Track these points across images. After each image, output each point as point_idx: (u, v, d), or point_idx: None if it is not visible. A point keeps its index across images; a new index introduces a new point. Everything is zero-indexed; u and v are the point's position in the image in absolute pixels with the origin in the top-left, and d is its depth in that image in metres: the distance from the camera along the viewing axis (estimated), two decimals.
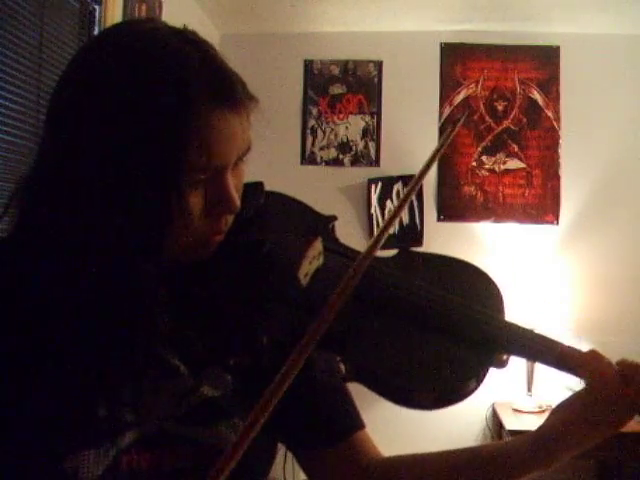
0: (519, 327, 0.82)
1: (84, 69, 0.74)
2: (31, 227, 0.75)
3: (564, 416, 0.80)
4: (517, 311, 3.24)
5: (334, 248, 0.88)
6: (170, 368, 0.78)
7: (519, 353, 0.82)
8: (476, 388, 0.80)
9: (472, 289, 0.88)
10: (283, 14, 3.55)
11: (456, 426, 3.43)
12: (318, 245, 0.83)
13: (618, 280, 3.53)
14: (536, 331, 0.83)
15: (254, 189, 0.85)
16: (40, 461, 0.72)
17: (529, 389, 3.28)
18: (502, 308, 0.87)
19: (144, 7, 2.74)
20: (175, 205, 0.71)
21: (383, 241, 0.79)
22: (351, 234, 2.90)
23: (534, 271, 3.43)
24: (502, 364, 0.82)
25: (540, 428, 0.82)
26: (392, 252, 0.94)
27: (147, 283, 0.73)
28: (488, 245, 3.59)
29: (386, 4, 3.39)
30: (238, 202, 0.77)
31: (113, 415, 0.74)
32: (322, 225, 0.91)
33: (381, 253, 0.85)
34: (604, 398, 0.77)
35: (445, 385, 0.80)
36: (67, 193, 0.72)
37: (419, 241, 3.64)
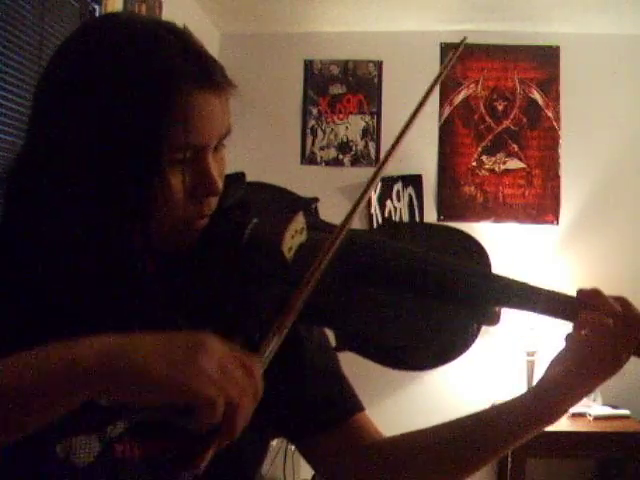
0: (508, 278, 0.83)
1: (69, 56, 0.77)
2: (18, 214, 0.77)
3: (564, 366, 0.80)
4: (517, 311, 3.23)
5: (317, 225, 0.88)
6: None
7: (510, 303, 0.82)
8: (471, 343, 0.80)
9: (458, 249, 0.89)
10: (283, 14, 3.55)
11: None
12: (300, 219, 0.83)
13: (618, 280, 3.53)
14: (525, 280, 0.83)
15: (236, 179, 0.86)
16: (33, 445, 0.71)
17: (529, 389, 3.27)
18: (488, 263, 0.87)
19: (144, 7, 2.74)
20: (157, 183, 0.73)
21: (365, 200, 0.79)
22: None
23: (534, 271, 3.43)
24: (495, 318, 0.82)
25: (540, 382, 0.82)
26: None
27: (138, 261, 0.74)
28: (488, 245, 3.57)
29: (386, 4, 3.39)
30: (220, 184, 0.78)
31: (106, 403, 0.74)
32: (304, 205, 0.92)
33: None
34: (602, 342, 0.77)
35: (440, 341, 0.80)
36: (53, 175, 0.74)
37: None
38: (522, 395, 0.84)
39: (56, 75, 0.76)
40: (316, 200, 0.94)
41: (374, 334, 0.81)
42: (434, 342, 0.81)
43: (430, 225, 0.98)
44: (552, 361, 0.83)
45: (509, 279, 0.83)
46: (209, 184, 0.77)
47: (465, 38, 0.83)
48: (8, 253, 0.76)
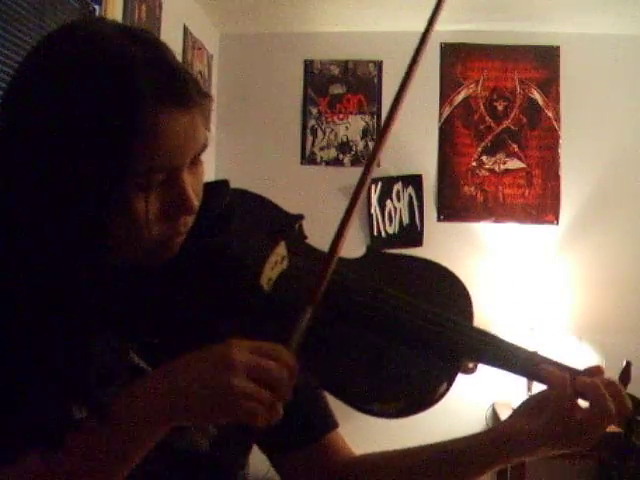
0: (487, 333, 0.81)
1: (32, 70, 0.73)
2: None
3: (527, 426, 0.79)
4: (517, 311, 3.24)
5: (298, 250, 0.86)
6: (138, 370, 0.78)
7: (486, 361, 0.80)
8: (442, 396, 0.78)
9: (439, 292, 0.86)
10: (283, 14, 3.55)
11: (456, 426, 3.41)
12: (281, 250, 0.82)
13: (618, 280, 3.53)
14: (506, 339, 0.81)
15: (219, 188, 0.84)
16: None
17: (529, 389, 3.27)
18: (470, 311, 0.84)
19: (144, 7, 2.74)
20: (120, 205, 0.69)
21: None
22: (351, 234, 2.90)
23: (534, 271, 3.43)
24: (469, 371, 0.81)
25: (501, 429, 0.82)
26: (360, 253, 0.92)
27: (81, 284, 0.71)
28: (488, 245, 3.59)
29: (386, 4, 3.39)
30: (195, 202, 0.75)
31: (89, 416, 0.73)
32: (288, 225, 0.89)
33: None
34: (597, 415, 0.76)
35: (409, 394, 0.78)
36: (15, 196, 0.71)
37: (419, 241, 3.63)
38: (483, 434, 0.84)
39: (17, 90, 0.73)
40: (300, 218, 0.91)
41: (345, 380, 0.78)
42: (404, 394, 0.78)
43: (417, 260, 0.94)
44: (523, 408, 0.82)
45: (496, 336, 0.81)
46: (184, 204, 0.74)
47: None
48: None
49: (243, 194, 0.91)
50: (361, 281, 0.84)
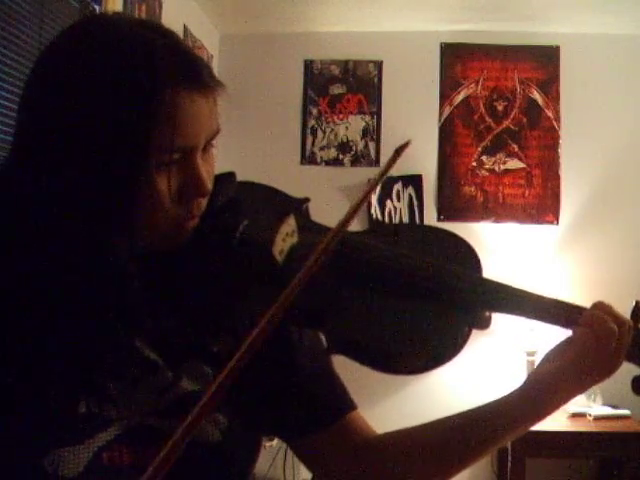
0: (498, 283, 0.83)
1: (55, 58, 0.76)
2: (3, 219, 0.76)
3: (556, 366, 0.81)
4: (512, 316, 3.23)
5: (308, 226, 0.87)
6: (148, 363, 0.78)
7: (500, 309, 0.83)
8: (459, 349, 0.80)
9: (448, 251, 0.89)
10: (283, 14, 3.55)
11: None
12: (291, 221, 0.83)
13: (618, 280, 3.53)
14: (516, 286, 0.83)
15: (226, 179, 0.86)
16: (20, 458, 0.71)
17: None
18: (479, 267, 0.87)
19: (144, 7, 2.74)
20: (144, 186, 0.72)
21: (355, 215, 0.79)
22: None
23: (534, 271, 3.43)
24: (485, 323, 0.82)
25: (531, 378, 0.83)
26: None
27: (122, 267, 0.73)
28: (488, 245, 3.59)
29: (386, 4, 3.39)
30: (209, 184, 0.78)
31: (94, 411, 0.74)
32: (295, 206, 0.91)
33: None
34: (594, 346, 0.78)
35: (431, 346, 0.80)
36: (40, 179, 0.73)
37: None
38: (512, 393, 0.85)
39: (42, 77, 0.76)
40: (307, 200, 0.93)
41: (364, 338, 0.80)
42: (425, 347, 0.80)
43: (422, 227, 0.98)
44: (548, 355, 0.84)
45: (502, 284, 0.83)
46: (198, 185, 0.76)
47: (408, 142, 0.85)
48: None
49: (249, 184, 0.94)
50: (374, 244, 0.86)
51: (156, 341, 0.79)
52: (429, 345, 0.80)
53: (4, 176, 0.77)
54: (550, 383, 0.81)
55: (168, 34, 0.77)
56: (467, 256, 0.88)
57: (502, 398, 0.86)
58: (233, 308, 0.78)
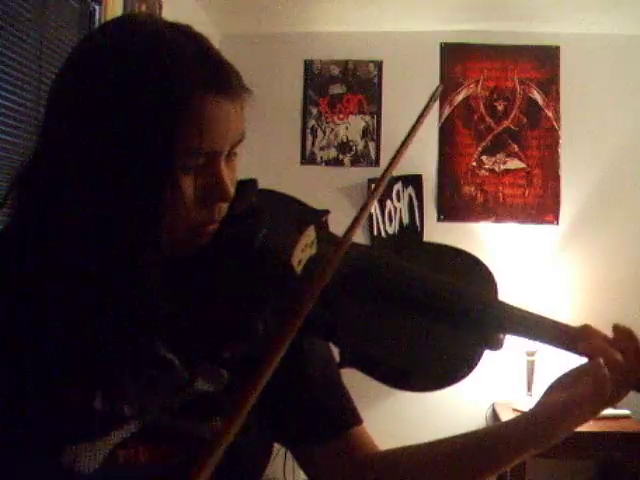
0: (513, 306, 0.82)
1: (83, 62, 0.76)
2: (29, 220, 0.76)
3: (564, 396, 0.80)
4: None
5: (327, 238, 0.88)
6: (165, 362, 0.79)
7: (514, 332, 0.82)
8: (472, 369, 0.80)
9: (464, 272, 0.88)
10: (283, 14, 3.55)
11: (456, 426, 3.42)
12: (311, 233, 0.83)
13: (618, 280, 3.53)
14: (531, 310, 0.83)
15: (247, 186, 0.86)
16: (37, 455, 0.72)
17: (529, 389, 3.28)
18: (495, 289, 0.87)
19: (144, 7, 2.74)
20: (169, 188, 0.72)
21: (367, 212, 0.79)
22: None
23: (534, 271, 3.43)
24: (498, 344, 0.82)
25: (539, 408, 0.82)
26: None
27: (147, 270, 0.73)
28: (488, 245, 3.59)
29: (386, 4, 3.39)
30: (232, 190, 0.78)
31: (109, 409, 0.75)
32: (314, 218, 0.91)
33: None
34: (603, 375, 0.77)
35: (444, 366, 0.80)
36: (66, 182, 0.74)
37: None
38: (519, 418, 0.84)
39: (70, 78, 0.76)
40: (327, 212, 0.94)
41: (378, 354, 0.80)
42: (439, 366, 0.80)
43: (439, 245, 0.97)
44: (562, 380, 0.83)
45: (517, 307, 0.83)
46: (221, 190, 0.76)
47: (441, 85, 0.83)
48: (15, 257, 0.76)
49: (270, 192, 0.94)
50: (392, 260, 0.87)
51: (173, 341, 0.79)
52: (443, 365, 0.80)
53: (26, 177, 0.78)
54: (563, 411, 0.80)
55: (199, 38, 0.78)
56: (484, 278, 0.88)
57: (510, 420, 0.85)
58: (248, 315, 0.78)
